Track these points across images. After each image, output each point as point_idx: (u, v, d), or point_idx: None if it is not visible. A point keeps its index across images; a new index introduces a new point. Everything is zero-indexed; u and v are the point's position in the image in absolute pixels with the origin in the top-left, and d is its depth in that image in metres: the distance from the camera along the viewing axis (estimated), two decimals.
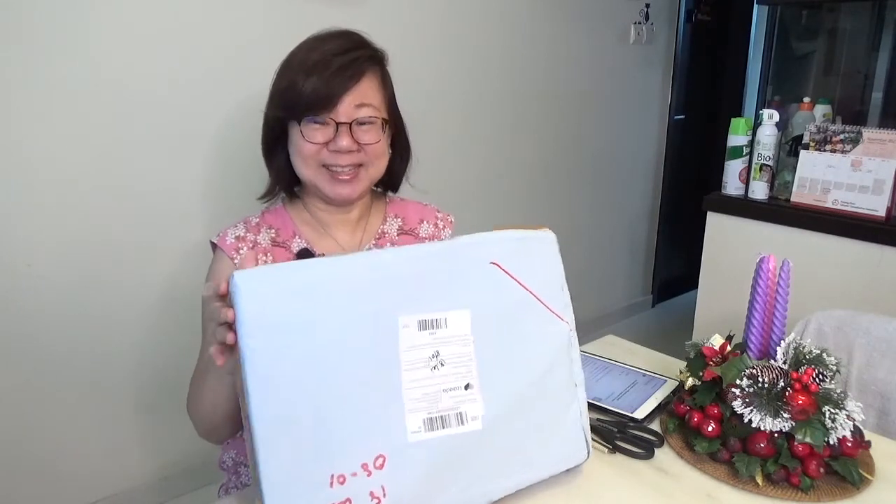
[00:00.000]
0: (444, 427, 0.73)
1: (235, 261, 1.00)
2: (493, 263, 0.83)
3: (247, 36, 1.80)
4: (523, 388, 0.81)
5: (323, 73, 0.94)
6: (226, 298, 0.70)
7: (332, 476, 0.68)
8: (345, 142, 0.96)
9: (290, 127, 0.98)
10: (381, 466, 0.70)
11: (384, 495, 0.70)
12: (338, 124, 0.95)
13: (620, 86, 2.95)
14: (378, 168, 1.03)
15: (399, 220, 1.13)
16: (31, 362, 1.65)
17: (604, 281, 3.19)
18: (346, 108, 0.96)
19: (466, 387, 0.76)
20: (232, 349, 0.71)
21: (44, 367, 1.67)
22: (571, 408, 0.84)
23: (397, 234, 1.11)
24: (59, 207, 1.61)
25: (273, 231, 1.04)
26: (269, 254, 1.02)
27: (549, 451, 0.82)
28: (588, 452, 0.86)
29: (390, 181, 1.11)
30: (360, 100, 0.96)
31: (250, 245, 1.02)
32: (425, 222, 1.15)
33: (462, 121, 2.39)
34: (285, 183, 1.05)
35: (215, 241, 1.03)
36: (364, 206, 1.09)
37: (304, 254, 1.03)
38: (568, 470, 0.84)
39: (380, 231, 1.10)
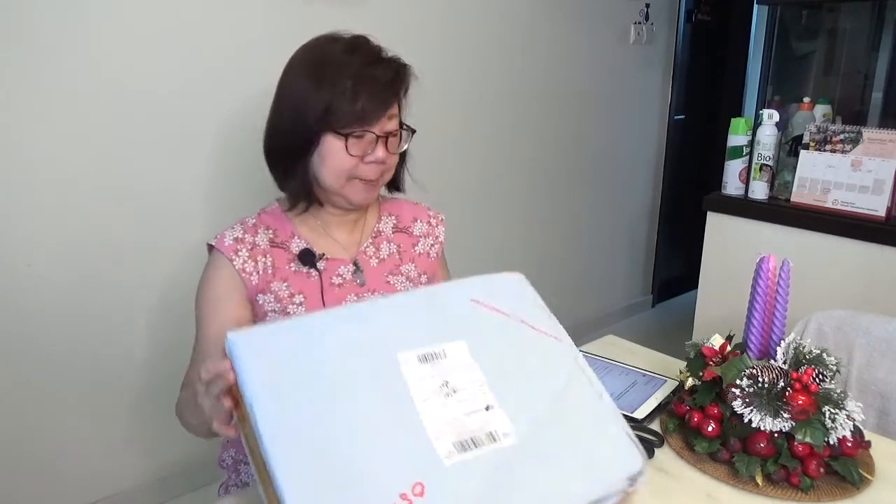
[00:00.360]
0: (476, 447, 0.71)
1: (234, 263, 0.99)
2: (474, 301, 0.84)
3: (247, 36, 1.80)
4: (546, 403, 0.78)
5: (371, 88, 0.95)
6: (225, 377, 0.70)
7: None
8: (382, 153, 0.98)
9: (327, 139, 0.96)
10: (422, 493, 0.67)
11: None
12: (378, 138, 0.97)
13: (620, 86, 2.95)
14: (390, 176, 1.06)
15: (393, 218, 1.14)
16: (31, 362, 1.65)
17: (604, 281, 3.19)
18: (383, 121, 0.98)
19: (487, 408, 0.74)
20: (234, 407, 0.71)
21: (44, 367, 1.67)
22: (607, 417, 0.81)
23: (392, 233, 1.13)
24: (59, 207, 1.61)
25: (271, 231, 1.04)
26: (267, 255, 1.02)
27: (599, 460, 0.77)
28: (643, 458, 0.79)
29: (393, 182, 1.12)
30: (392, 111, 0.99)
31: (249, 247, 1.01)
32: (419, 221, 1.16)
33: (462, 121, 2.39)
34: (311, 193, 1.03)
35: (213, 244, 1.02)
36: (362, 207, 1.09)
37: (306, 255, 1.03)
38: (632, 481, 0.77)
39: (376, 230, 1.11)
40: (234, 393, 0.71)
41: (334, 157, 0.97)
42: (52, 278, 1.63)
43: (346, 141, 0.96)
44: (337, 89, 0.94)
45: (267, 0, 1.81)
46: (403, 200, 1.18)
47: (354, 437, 0.68)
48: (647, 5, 2.93)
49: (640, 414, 1.03)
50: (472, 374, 0.76)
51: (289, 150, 0.99)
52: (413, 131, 1.05)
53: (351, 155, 0.96)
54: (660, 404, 1.06)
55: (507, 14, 2.41)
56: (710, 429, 0.92)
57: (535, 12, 2.50)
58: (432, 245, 1.17)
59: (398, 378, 0.73)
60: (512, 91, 2.51)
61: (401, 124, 1.04)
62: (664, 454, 0.95)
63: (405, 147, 1.05)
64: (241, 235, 1.02)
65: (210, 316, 0.99)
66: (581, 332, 1.36)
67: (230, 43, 1.78)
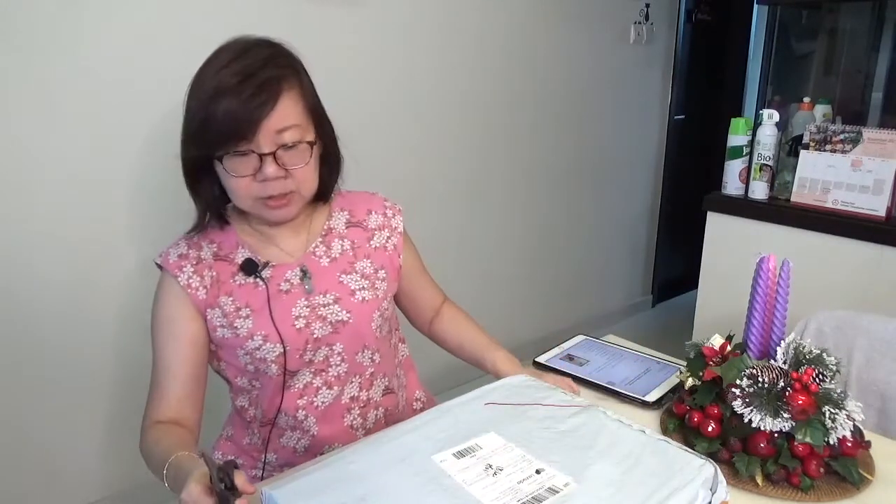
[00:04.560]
0: (541, 502, 0.70)
1: (179, 279, 0.97)
2: (489, 403, 0.89)
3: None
4: (595, 452, 0.79)
5: (233, 102, 0.86)
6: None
7: None
8: (271, 169, 0.90)
9: (216, 164, 0.92)
10: None
11: None
12: (260, 156, 0.90)
13: (620, 86, 2.95)
14: (310, 188, 0.98)
15: (346, 213, 1.10)
16: (30, 362, 1.65)
17: (604, 281, 3.19)
18: (267, 136, 0.89)
19: (538, 472, 0.75)
20: None
21: (43, 367, 1.67)
22: (657, 442, 0.81)
23: (345, 228, 1.08)
24: (59, 207, 1.61)
25: (215, 245, 1.02)
26: (212, 269, 1.00)
27: (665, 472, 0.76)
28: (711, 464, 0.78)
29: (320, 193, 1.03)
30: (281, 123, 0.90)
31: (193, 262, 0.99)
32: (373, 213, 1.12)
33: (461, 120, 2.39)
34: (216, 211, 1.00)
35: (159, 262, 1.01)
36: (305, 210, 1.04)
37: (248, 264, 0.99)
38: (713, 492, 0.75)
39: (326, 227, 1.07)
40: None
41: (226, 180, 0.92)
42: (52, 278, 1.63)
43: (223, 163, 0.90)
44: (205, 111, 0.87)
45: (266, 0, 1.81)
46: (357, 193, 1.14)
47: None
48: (647, 5, 2.93)
49: (651, 397, 1.06)
50: (511, 453, 0.79)
51: (186, 176, 0.96)
52: (312, 143, 0.95)
53: (235, 176, 0.90)
54: (672, 389, 1.08)
55: (506, 14, 2.41)
56: (710, 429, 0.92)
57: (535, 12, 2.50)
58: (389, 238, 1.11)
59: (441, 473, 0.75)
60: (512, 91, 2.51)
61: (318, 129, 0.97)
62: None
63: (307, 162, 0.94)
64: (185, 251, 1.00)
65: (164, 337, 0.98)
66: (581, 333, 1.36)
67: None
